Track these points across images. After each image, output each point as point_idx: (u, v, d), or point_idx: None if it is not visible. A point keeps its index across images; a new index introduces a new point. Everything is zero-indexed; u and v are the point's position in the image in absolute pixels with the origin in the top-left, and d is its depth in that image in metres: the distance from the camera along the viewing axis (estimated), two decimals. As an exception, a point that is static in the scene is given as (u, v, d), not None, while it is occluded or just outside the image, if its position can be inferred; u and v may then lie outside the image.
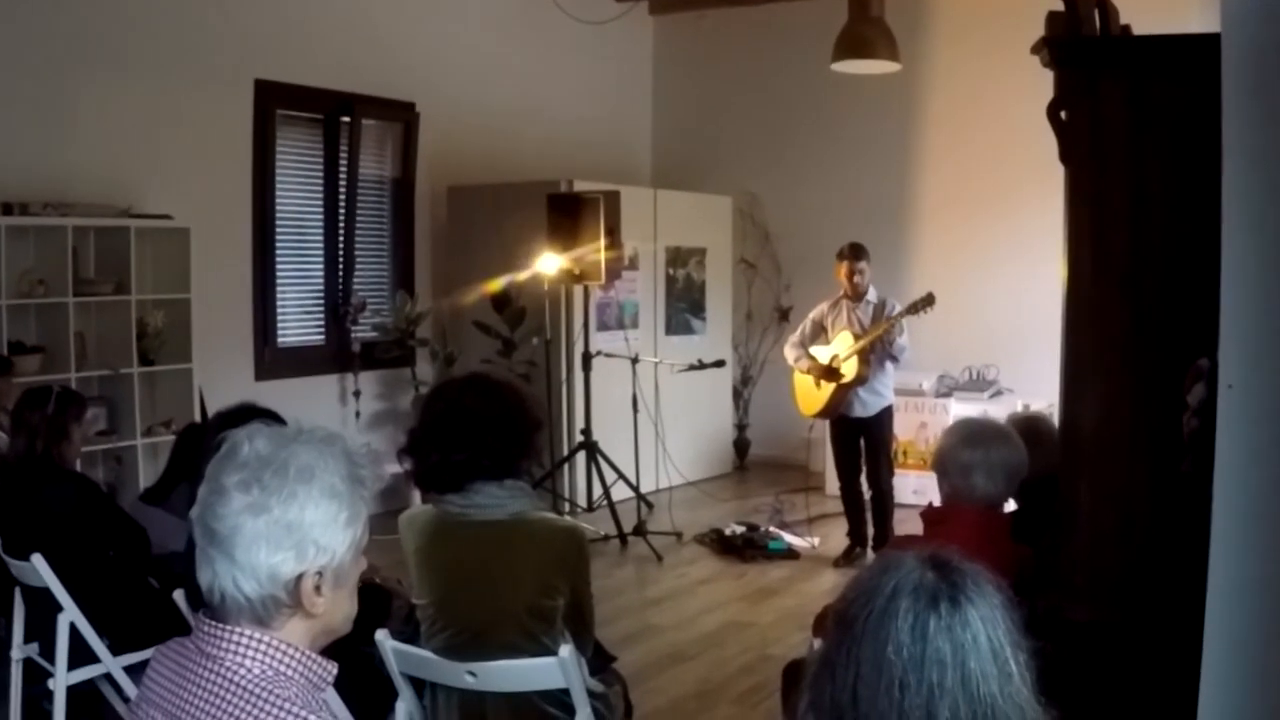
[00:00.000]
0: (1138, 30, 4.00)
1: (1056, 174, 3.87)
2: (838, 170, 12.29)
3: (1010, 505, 4.34)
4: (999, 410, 9.14)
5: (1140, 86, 3.60)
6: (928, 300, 8.33)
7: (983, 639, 1.89)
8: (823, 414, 8.95)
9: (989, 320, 11.03)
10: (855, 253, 8.73)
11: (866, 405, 8.71)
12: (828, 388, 8.71)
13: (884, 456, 8.91)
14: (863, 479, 8.92)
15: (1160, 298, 3.61)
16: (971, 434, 4.11)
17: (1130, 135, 3.62)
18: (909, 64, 10.52)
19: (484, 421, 3.79)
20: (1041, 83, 3.89)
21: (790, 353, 8.96)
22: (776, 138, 12.73)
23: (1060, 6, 3.73)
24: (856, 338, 8.59)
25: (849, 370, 8.59)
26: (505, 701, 3.82)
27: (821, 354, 8.77)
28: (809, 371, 8.80)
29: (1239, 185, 2.77)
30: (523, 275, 10.15)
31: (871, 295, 8.76)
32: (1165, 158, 3.57)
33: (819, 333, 8.91)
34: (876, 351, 8.54)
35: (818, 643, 3.31)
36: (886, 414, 8.85)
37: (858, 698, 1.89)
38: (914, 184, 12.04)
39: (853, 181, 12.16)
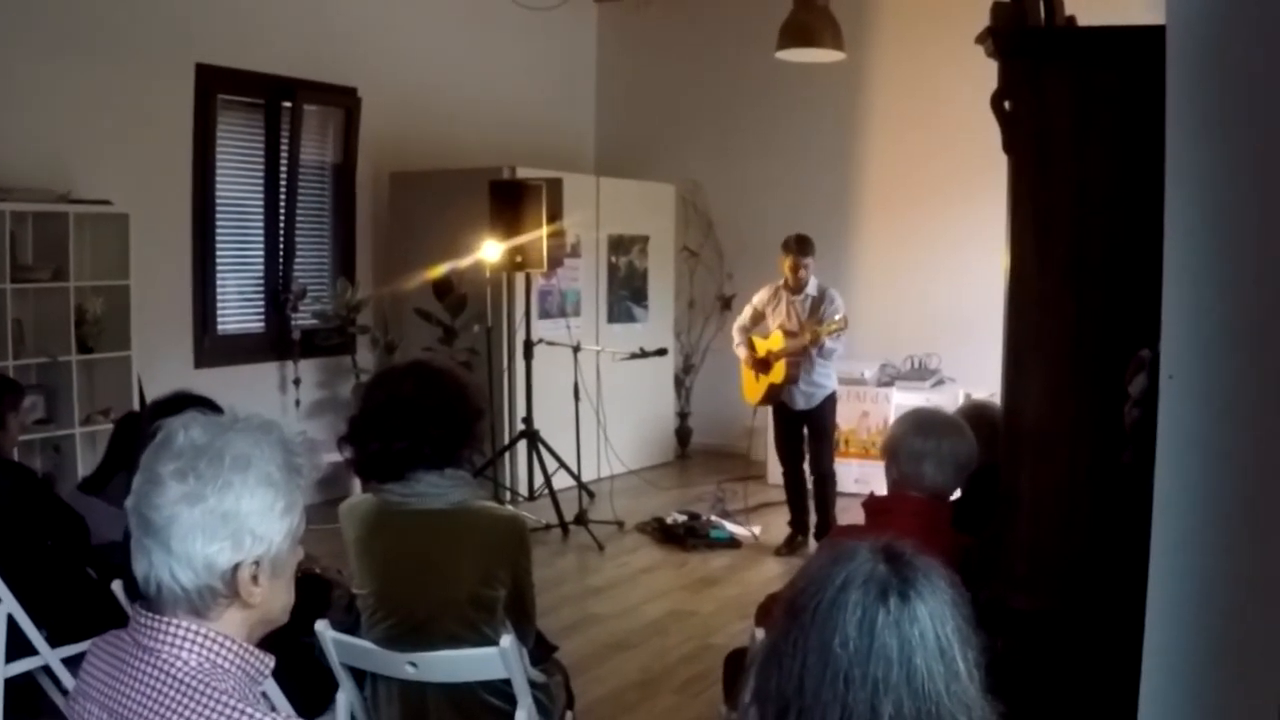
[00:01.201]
0: (1082, 21, 4.02)
1: (1000, 164, 3.88)
2: (781, 159, 12.30)
3: (955, 493, 4.35)
4: (940, 399, 9.20)
5: (1084, 77, 3.61)
6: (841, 325, 8.46)
7: (930, 636, 1.88)
8: (763, 403, 9.01)
9: (931, 309, 11.08)
10: (801, 248, 8.73)
11: (809, 398, 8.76)
12: (764, 380, 8.77)
13: (826, 443, 8.95)
14: (805, 465, 8.96)
15: (1102, 288, 3.62)
16: (925, 423, 4.11)
17: (1074, 126, 3.63)
18: (854, 53, 10.52)
19: (425, 410, 3.78)
20: (986, 73, 3.90)
21: (736, 336, 9.03)
22: (720, 126, 12.73)
23: (1005, -3, 3.74)
24: (788, 334, 8.65)
25: (777, 371, 8.68)
26: (446, 692, 3.81)
27: (759, 345, 8.84)
28: (746, 362, 8.86)
29: (1181, 176, 2.78)
30: (464, 262, 10.11)
31: (811, 288, 8.78)
32: (1108, 149, 3.59)
33: (759, 319, 8.97)
34: (807, 351, 8.59)
35: (760, 632, 3.31)
36: (829, 402, 8.88)
37: (803, 688, 1.88)
38: (858, 173, 12.05)
39: (796, 170, 12.18)
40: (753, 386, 8.95)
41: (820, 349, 8.49)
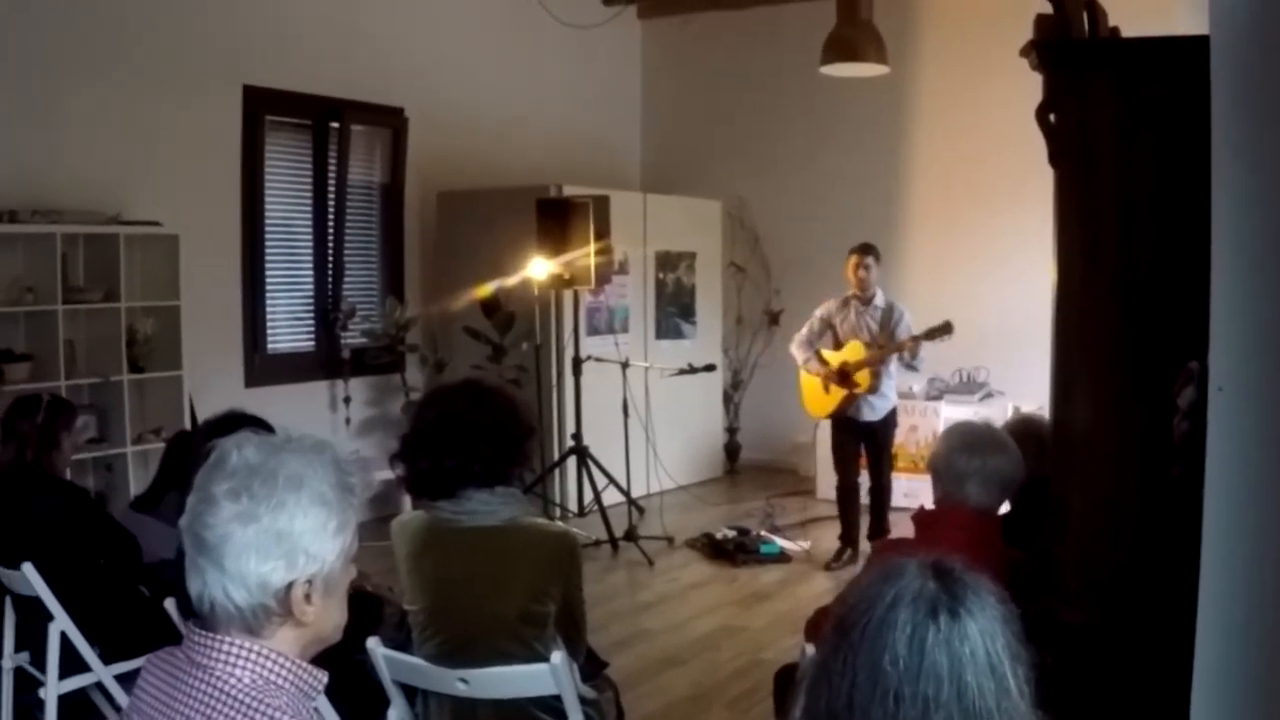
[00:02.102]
0: (1126, 32, 4.00)
1: (1046, 176, 3.87)
2: (827, 173, 12.29)
3: (1004, 507, 4.34)
4: (989, 412, 9.17)
5: (1129, 88, 3.59)
6: (945, 329, 8.36)
7: (981, 653, 1.87)
8: (831, 415, 9.00)
9: (979, 322, 11.00)
10: (864, 248, 8.84)
11: (875, 409, 8.79)
12: (838, 392, 8.76)
13: (886, 455, 9.02)
14: (861, 477, 8.98)
15: (1150, 300, 3.60)
16: (969, 442, 4.09)
17: (1119, 137, 3.61)
18: (898, 67, 10.53)
19: (476, 428, 3.80)
20: (1031, 85, 3.89)
21: (799, 353, 8.99)
22: (765, 141, 12.73)
23: (1049, 9, 3.73)
24: (867, 346, 8.65)
25: (862, 381, 8.66)
26: (497, 708, 3.81)
27: (831, 357, 8.83)
28: (819, 375, 8.83)
29: (1228, 187, 2.77)
30: (512, 280, 10.14)
31: (879, 300, 8.82)
32: (1154, 159, 3.57)
33: (825, 330, 8.96)
34: (888, 362, 8.60)
35: (810, 648, 3.30)
36: (892, 416, 8.98)
37: (853, 706, 1.87)
38: (903, 187, 12.04)
39: (842, 184, 12.16)
40: (821, 400, 8.93)
41: (915, 355, 8.50)
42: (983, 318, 10.96)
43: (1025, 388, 9.47)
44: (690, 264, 12.20)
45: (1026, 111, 3.84)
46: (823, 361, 8.88)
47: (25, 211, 7.74)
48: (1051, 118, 3.75)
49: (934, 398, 10.81)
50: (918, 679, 1.84)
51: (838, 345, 8.88)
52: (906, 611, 1.88)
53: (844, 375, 8.74)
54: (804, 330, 9.09)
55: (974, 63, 10.97)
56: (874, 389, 8.69)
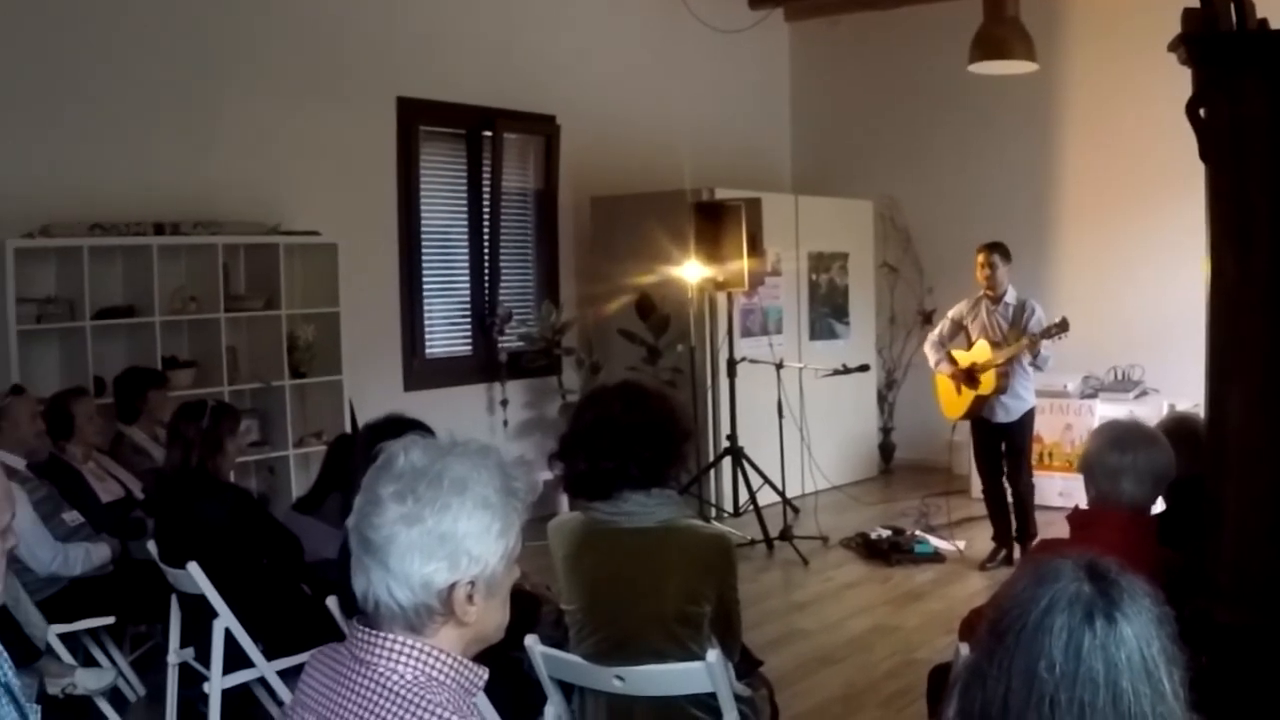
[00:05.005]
0: (1275, 24, 3.95)
1: (1197, 172, 3.83)
2: (977, 172, 12.21)
3: (1159, 506, 4.30)
4: (1144, 410, 9.05)
5: (1279, 81, 3.55)
6: (1062, 326, 8.29)
7: (1136, 657, 1.87)
8: (964, 417, 8.94)
9: (1133, 320, 10.91)
10: (989, 246, 8.73)
11: (1009, 410, 8.68)
12: (968, 394, 8.71)
13: (1025, 460, 8.88)
14: (1005, 478, 8.89)
15: (1304, 296, 3.56)
16: (1119, 438, 4.05)
17: (1270, 131, 3.56)
18: (1046, 64, 10.42)
19: (633, 431, 3.82)
20: (1180, 80, 3.86)
21: (931, 354, 8.98)
22: (915, 140, 12.67)
23: (1196, 3, 3.70)
24: (994, 345, 8.58)
25: (987, 383, 8.58)
26: (653, 705, 3.85)
27: (961, 358, 8.78)
28: (950, 375, 8.80)
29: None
30: (666, 282, 10.21)
31: (1010, 297, 8.71)
32: (1307, 152, 3.53)
33: (957, 331, 8.93)
34: (1019, 359, 8.51)
35: (964, 647, 3.31)
36: (1028, 417, 8.82)
37: (1008, 710, 1.88)
38: (1055, 183, 11.93)
39: (993, 182, 12.08)
40: (954, 401, 8.88)
41: (1036, 355, 8.42)
42: (1137, 315, 10.87)
43: (1180, 385, 9.32)
44: (843, 265, 12.19)
45: (1177, 106, 3.81)
46: (953, 362, 8.84)
47: (188, 224, 7.97)
48: (1201, 113, 3.71)
49: (1089, 396, 10.68)
50: (1074, 685, 1.85)
51: (971, 346, 8.83)
52: (1062, 616, 1.88)
53: (971, 376, 8.69)
54: (935, 331, 9.08)
55: (1122, 58, 10.85)
56: (1002, 389, 8.59)
